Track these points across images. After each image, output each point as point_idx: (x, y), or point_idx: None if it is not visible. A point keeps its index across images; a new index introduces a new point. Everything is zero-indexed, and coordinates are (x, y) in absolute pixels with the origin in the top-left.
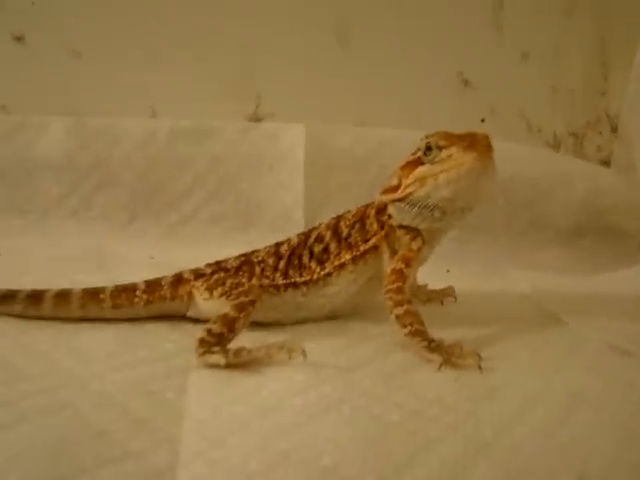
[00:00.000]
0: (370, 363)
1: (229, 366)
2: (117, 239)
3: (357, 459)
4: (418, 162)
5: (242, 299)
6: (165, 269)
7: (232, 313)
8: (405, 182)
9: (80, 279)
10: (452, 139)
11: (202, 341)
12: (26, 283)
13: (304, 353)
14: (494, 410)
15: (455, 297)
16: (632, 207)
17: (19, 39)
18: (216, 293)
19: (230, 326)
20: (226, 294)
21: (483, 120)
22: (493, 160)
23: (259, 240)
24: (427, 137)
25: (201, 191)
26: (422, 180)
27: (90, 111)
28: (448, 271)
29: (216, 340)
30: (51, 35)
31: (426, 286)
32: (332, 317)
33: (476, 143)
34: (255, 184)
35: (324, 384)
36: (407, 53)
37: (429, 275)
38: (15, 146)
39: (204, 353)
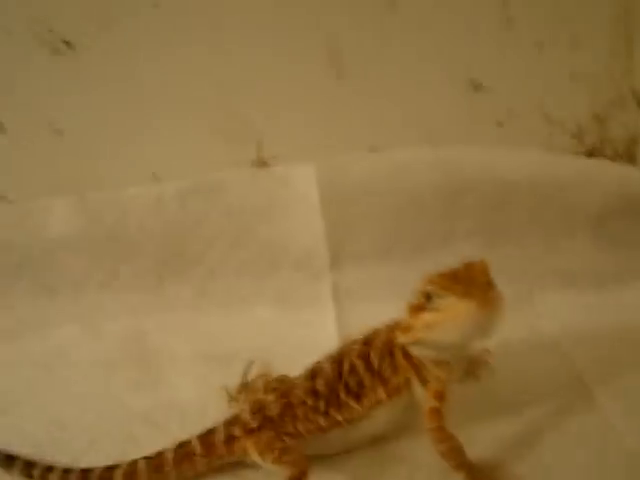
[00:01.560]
0: None
1: None
2: (150, 309)
3: None
4: (422, 307)
5: (292, 472)
6: (208, 361)
7: None
8: (414, 326)
9: (133, 402)
10: (448, 285)
11: None
12: (84, 421)
13: None
14: None
15: (491, 364)
16: None
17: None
18: (268, 459)
19: None
20: (277, 461)
21: (501, 124)
22: (493, 299)
23: (287, 284)
24: (424, 284)
25: (222, 244)
26: (429, 327)
27: (90, 188)
28: None
29: None
30: (31, 118)
31: None
32: (378, 440)
33: (474, 285)
34: (274, 230)
35: None
36: (408, 66)
37: None
38: (26, 232)
39: None
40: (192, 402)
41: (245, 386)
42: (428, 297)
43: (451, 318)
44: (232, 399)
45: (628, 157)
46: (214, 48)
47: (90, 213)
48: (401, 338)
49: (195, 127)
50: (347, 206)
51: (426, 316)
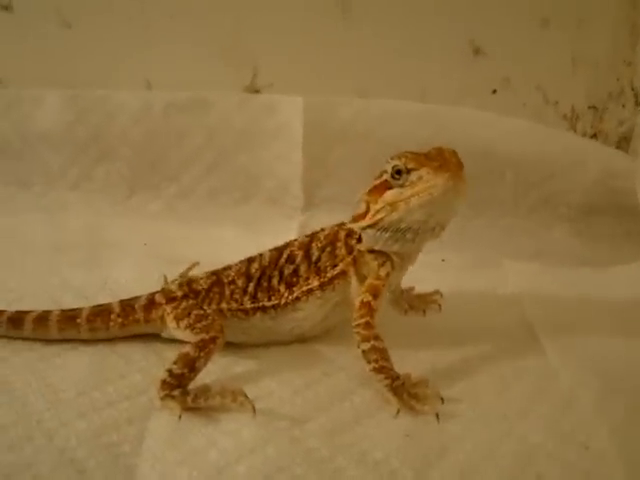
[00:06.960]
0: (325, 410)
1: (187, 410)
2: (116, 215)
3: None
4: (386, 186)
5: (203, 336)
6: (157, 261)
7: (192, 353)
8: (374, 207)
9: (71, 277)
10: (421, 160)
11: (164, 383)
12: (18, 284)
13: (254, 410)
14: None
15: (440, 305)
16: None
17: (6, 8)
18: (182, 324)
19: (191, 366)
20: (190, 327)
21: (495, 91)
22: (464, 178)
23: (257, 214)
24: (393, 159)
25: (199, 165)
26: (393, 205)
27: (84, 83)
28: (443, 260)
29: (177, 381)
30: (39, 3)
31: (412, 290)
32: (302, 340)
33: (447, 162)
34: (252, 157)
35: (270, 444)
36: (413, 20)
37: (423, 264)
38: (13, 120)
39: (165, 397)
40: (127, 285)
41: (183, 277)
42: (396, 174)
43: (422, 191)
44: (166, 285)
45: None
46: None
47: (78, 110)
48: (354, 225)
49: (196, 43)
50: (328, 147)
51: (391, 194)
